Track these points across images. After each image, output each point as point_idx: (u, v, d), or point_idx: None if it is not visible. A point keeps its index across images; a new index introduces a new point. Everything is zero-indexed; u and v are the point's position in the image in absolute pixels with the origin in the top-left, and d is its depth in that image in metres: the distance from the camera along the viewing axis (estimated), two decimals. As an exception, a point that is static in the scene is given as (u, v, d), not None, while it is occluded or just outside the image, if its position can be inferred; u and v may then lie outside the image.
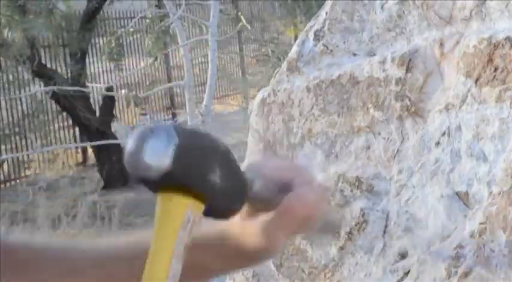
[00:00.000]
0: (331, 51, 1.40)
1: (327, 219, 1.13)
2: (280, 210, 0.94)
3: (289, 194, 0.93)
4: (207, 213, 0.85)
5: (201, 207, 0.83)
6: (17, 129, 10.04)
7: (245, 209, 0.93)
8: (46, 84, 8.86)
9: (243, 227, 0.97)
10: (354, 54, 1.38)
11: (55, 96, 9.18)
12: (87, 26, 9.40)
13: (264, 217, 0.95)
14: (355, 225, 1.32)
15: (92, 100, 10.38)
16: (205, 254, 1.00)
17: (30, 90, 9.20)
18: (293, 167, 1.01)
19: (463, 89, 1.25)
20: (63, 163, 11.12)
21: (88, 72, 10.77)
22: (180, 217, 0.84)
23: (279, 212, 0.93)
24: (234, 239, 0.99)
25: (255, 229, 0.95)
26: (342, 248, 1.33)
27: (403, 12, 1.35)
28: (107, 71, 11.45)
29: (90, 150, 10.91)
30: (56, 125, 11.19)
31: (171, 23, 4.47)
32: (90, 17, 9.42)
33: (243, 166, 0.92)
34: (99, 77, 11.81)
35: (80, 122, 9.74)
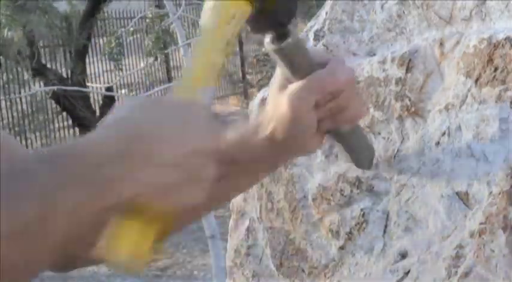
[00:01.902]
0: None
1: (360, 134, 1.15)
2: (310, 77, 1.01)
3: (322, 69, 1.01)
4: (255, 21, 0.92)
5: (248, 7, 0.90)
6: (17, 129, 10.03)
7: (281, 82, 1.00)
8: (46, 84, 8.86)
9: (277, 101, 1.02)
10: (354, 54, 1.38)
11: (55, 96, 9.18)
12: (87, 25, 9.40)
13: (296, 84, 1.01)
14: (355, 225, 1.32)
15: (92, 100, 10.37)
16: (237, 148, 1.03)
17: (30, 89, 9.20)
18: (333, 57, 1.10)
19: (463, 89, 1.25)
20: (63, 163, 11.08)
21: (88, 72, 10.76)
22: (227, 12, 0.90)
23: (308, 78, 1.00)
24: (266, 120, 1.02)
25: (285, 96, 1.01)
26: (342, 248, 1.33)
27: (403, 12, 1.35)
28: (107, 71, 11.45)
29: (90, 150, 10.87)
30: (56, 125, 11.19)
31: (171, 23, 4.48)
32: (90, 17, 9.41)
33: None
34: (99, 77, 11.80)
35: (80, 122, 9.73)
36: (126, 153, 0.76)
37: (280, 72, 1.08)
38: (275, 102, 1.06)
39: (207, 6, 0.90)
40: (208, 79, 0.88)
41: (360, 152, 1.24)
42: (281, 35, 1.00)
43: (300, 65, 1.04)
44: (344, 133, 1.15)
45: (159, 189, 0.77)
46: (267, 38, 1.02)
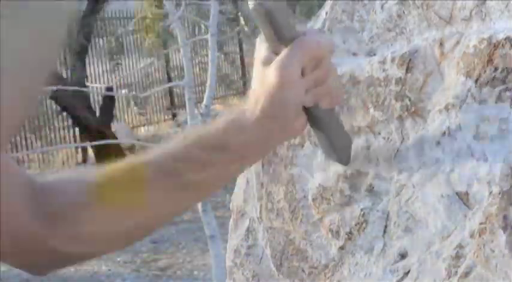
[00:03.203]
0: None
1: (338, 122, 1.16)
2: (294, 43, 1.05)
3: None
4: None
5: None
6: (16, 129, 10.02)
7: (265, 56, 1.03)
8: (46, 84, 8.84)
9: (263, 75, 1.05)
10: (354, 54, 1.38)
11: (55, 96, 9.18)
12: (87, 25, 9.39)
13: (281, 54, 1.05)
14: (355, 225, 1.32)
15: (92, 100, 10.37)
16: (227, 132, 1.05)
17: (30, 90, 9.18)
18: (311, 28, 1.18)
19: (463, 89, 1.25)
20: (63, 163, 11.12)
21: (88, 72, 10.76)
22: None
23: (292, 45, 1.02)
24: (253, 96, 1.05)
25: (271, 68, 1.03)
26: (342, 248, 1.33)
27: (403, 12, 1.35)
28: (107, 71, 11.45)
29: (90, 150, 10.90)
30: (56, 125, 11.19)
31: (171, 23, 4.47)
32: (90, 17, 9.41)
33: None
34: (99, 77, 11.80)
35: (80, 122, 9.73)
36: None
37: (261, 44, 1.09)
38: (261, 76, 1.07)
39: None
40: None
41: (337, 141, 1.24)
42: None
43: (284, 26, 1.06)
44: (323, 115, 1.15)
45: None
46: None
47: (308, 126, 1.16)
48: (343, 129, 1.25)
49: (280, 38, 1.05)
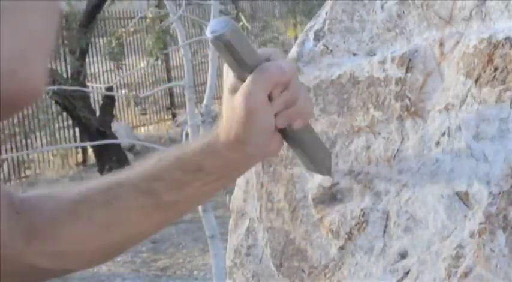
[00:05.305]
0: (331, 51, 1.40)
1: (314, 135, 1.16)
2: (257, 70, 1.04)
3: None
4: None
5: None
6: (17, 129, 10.04)
7: (232, 84, 1.03)
8: (46, 84, 8.84)
9: (231, 103, 1.05)
10: (354, 54, 1.38)
11: (55, 96, 9.17)
12: (87, 25, 9.39)
13: (246, 82, 1.05)
14: (355, 225, 1.32)
15: (92, 100, 10.37)
16: (202, 155, 1.06)
17: (30, 90, 9.17)
18: (273, 49, 1.11)
19: (463, 89, 1.25)
20: (63, 163, 11.12)
21: (88, 72, 10.76)
22: None
23: (256, 72, 1.03)
24: (225, 124, 1.05)
25: (237, 96, 1.03)
26: (342, 248, 1.33)
27: (403, 12, 1.35)
28: (107, 71, 11.46)
29: (90, 150, 10.90)
30: (56, 125, 11.19)
31: (171, 23, 4.47)
32: (90, 17, 9.41)
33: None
34: (99, 77, 11.81)
35: (80, 122, 9.73)
36: None
37: (228, 71, 1.09)
38: (229, 105, 1.07)
39: None
40: None
41: (315, 156, 1.24)
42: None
43: (245, 54, 1.06)
44: (298, 133, 1.16)
45: None
46: (208, 28, 1.04)
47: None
48: (320, 142, 1.25)
49: (243, 66, 1.05)
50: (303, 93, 1.10)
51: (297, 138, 1.16)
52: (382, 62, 1.34)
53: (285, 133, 1.13)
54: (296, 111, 1.09)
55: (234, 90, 1.06)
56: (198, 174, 1.07)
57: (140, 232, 1.11)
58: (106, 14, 11.31)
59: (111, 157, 9.06)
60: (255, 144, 1.07)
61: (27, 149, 9.68)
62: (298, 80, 1.10)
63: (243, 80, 1.05)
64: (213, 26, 1.02)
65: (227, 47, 1.03)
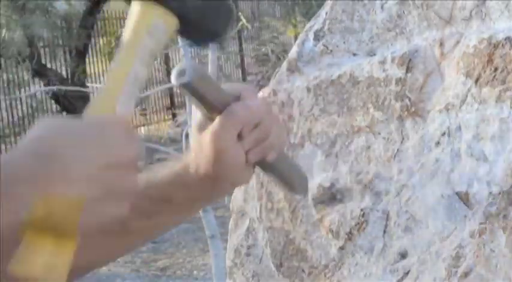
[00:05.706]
0: (331, 51, 1.40)
1: (289, 161, 1.17)
2: (225, 112, 1.03)
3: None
4: (187, 33, 0.92)
5: (174, 20, 0.90)
6: (17, 129, 10.03)
7: (200, 122, 1.02)
8: (46, 84, 8.85)
9: (200, 142, 1.04)
10: (354, 54, 1.38)
11: (55, 96, 9.18)
12: (87, 25, 9.39)
13: (214, 122, 1.03)
14: (355, 225, 1.32)
15: (91, 100, 10.34)
16: (172, 186, 1.05)
17: (30, 90, 9.20)
18: (244, 86, 1.09)
19: (463, 89, 1.25)
20: (63, 163, 11.09)
21: (88, 72, 10.76)
22: (148, 21, 0.89)
23: (224, 114, 1.02)
24: (195, 160, 1.05)
25: (206, 136, 1.03)
26: (342, 248, 1.33)
27: (403, 12, 1.35)
28: (107, 71, 11.43)
29: (90, 150, 10.87)
30: (56, 125, 11.14)
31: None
32: (90, 17, 9.41)
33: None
34: (99, 77, 11.81)
35: (80, 122, 9.69)
36: (40, 172, 0.78)
37: (197, 110, 1.08)
38: (198, 143, 1.07)
39: (129, 15, 0.90)
40: (126, 90, 0.89)
41: (292, 180, 1.24)
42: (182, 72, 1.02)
43: (213, 96, 1.05)
44: (272, 162, 1.16)
45: (73, 205, 0.80)
46: (173, 73, 1.03)
47: None
48: (294, 166, 1.25)
49: (211, 108, 1.05)
50: (275, 127, 1.08)
51: (271, 168, 1.16)
52: (382, 62, 1.34)
53: (259, 163, 1.13)
54: (268, 146, 1.08)
55: (202, 129, 1.06)
56: (167, 204, 1.07)
57: (106, 254, 1.11)
58: (106, 14, 11.31)
59: (111, 157, 9.04)
60: (225, 179, 1.07)
61: (27, 149, 9.65)
62: (271, 114, 1.08)
63: (212, 120, 1.05)
64: (179, 72, 1.02)
65: (194, 93, 1.04)
